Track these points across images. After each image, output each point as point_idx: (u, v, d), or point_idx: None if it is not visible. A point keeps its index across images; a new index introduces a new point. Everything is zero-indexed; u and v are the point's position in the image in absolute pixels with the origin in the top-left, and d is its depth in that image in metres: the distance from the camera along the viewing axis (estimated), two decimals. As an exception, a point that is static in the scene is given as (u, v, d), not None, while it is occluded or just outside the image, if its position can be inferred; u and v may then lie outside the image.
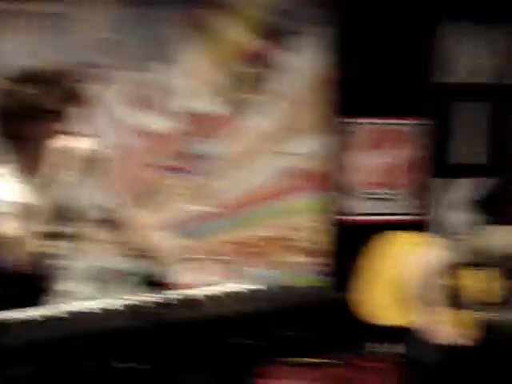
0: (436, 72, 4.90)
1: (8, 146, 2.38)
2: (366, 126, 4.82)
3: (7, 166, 2.35)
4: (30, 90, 2.29)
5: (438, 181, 4.97)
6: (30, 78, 2.34)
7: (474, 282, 2.68)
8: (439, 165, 4.97)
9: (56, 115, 2.37)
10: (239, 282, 3.31)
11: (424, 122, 4.90)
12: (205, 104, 4.52)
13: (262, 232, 4.66)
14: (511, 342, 3.07)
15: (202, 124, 4.51)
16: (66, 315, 2.01)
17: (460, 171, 5.01)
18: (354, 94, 4.70)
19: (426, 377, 2.90)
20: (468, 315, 2.77)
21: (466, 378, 2.84)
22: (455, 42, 4.90)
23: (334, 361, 4.56)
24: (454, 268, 3.12)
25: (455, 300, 3.12)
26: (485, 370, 2.85)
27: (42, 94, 2.31)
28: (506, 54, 4.96)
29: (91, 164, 2.43)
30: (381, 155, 4.85)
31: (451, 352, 2.83)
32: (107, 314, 2.05)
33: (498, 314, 3.04)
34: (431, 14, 4.80)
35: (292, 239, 4.70)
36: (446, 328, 2.98)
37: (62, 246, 2.50)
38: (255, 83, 4.56)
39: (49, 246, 2.42)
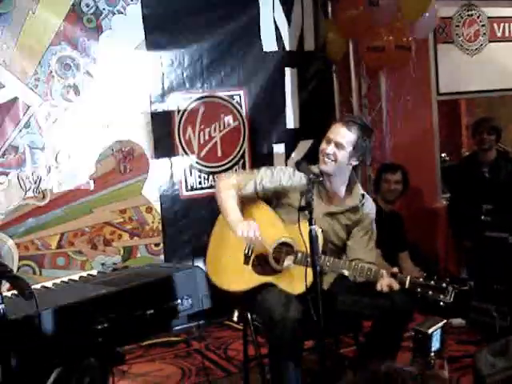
0: (263, 41, 5.06)
1: None
2: (193, 100, 4.86)
3: None
4: None
5: (277, 146, 5.16)
6: None
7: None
8: (277, 130, 5.17)
9: None
10: (82, 271, 3.28)
11: (251, 91, 5.05)
12: (24, 93, 4.33)
13: (99, 219, 4.58)
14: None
15: (23, 114, 4.33)
16: None
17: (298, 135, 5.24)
18: (176, 70, 4.73)
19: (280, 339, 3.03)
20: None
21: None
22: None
23: (188, 336, 4.66)
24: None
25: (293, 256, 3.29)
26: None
27: None
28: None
29: None
30: (210, 128, 4.93)
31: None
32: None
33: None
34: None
35: (129, 222, 4.67)
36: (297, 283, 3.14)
37: None
38: (74, 67, 4.45)
39: None
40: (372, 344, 3.30)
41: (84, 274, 2.77)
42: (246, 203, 3.42)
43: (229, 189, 3.36)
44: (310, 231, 2.73)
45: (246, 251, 3.33)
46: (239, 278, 3.33)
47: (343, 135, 3.24)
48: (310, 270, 2.89)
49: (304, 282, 2.96)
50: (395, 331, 3.20)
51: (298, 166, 3.15)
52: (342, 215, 3.37)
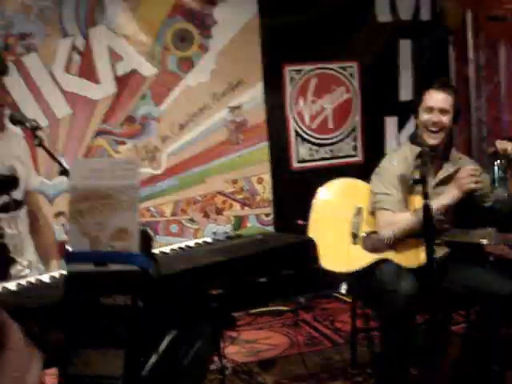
0: (377, 11, 5.00)
1: None
2: (306, 71, 4.87)
3: None
4: None
5: (390, 119, 5.10)
6: None
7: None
8: (390, 103, 5.10)
9: None
10: (194, 239, 3.36)
11: (364, 62, 5.01)
12: (142, 65, 4.47)
13: (212, 188, 4.69)
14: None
15: (141, 86, 4.48)
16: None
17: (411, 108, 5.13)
18: (290, 41, 4.73)
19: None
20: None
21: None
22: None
23: (295, 306, 4.71)
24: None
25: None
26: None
27: None
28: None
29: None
30: (322, 100, 4.93)
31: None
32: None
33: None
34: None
35: (240, 192, 4.75)
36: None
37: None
38: (189, 40, 4.54)
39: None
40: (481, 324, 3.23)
41: (199, 240, 2.83)
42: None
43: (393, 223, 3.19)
44: (425, 206, 2.69)
45: (354, 230, 3.31)
46: (351, 259, 3.29)
47: (445, 100, 3.19)
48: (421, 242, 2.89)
49: (419, 256, 2.94)
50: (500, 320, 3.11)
51: (413, 138, 3.11)
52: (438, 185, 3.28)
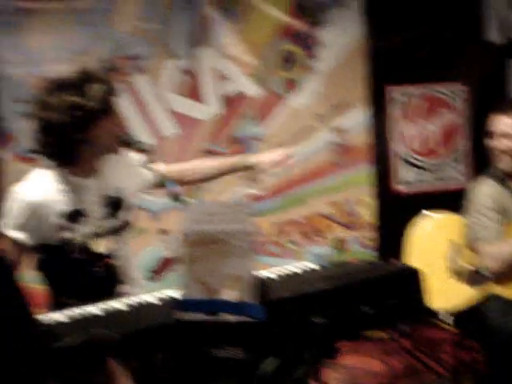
0: (484, 31, 4.87)
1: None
2: (410, 93, 4.81)
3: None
4: (69, 98, 2.28)
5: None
6: (65, 86, 2.32)
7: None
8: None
9: (104, 114, 2.39)
10: (296, 262, 3.34)
11: (471, 84, 4.88)
12: (247, 86, 4.52)
13: (313, 210, 4.67)
14: None
15: (245, 106, 4.53)
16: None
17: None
18: (394, 63, 4.69)
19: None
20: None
21: None
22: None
23: (397, 333, 4.61)
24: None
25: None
26: None
27: (84, 98, 2.30)
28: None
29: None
30: (427, 122, 4.83)
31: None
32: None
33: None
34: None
35: (341, 215, 4.70)
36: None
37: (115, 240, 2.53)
38: (294, 61, 4.56)
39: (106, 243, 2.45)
40: None
41: (304, 266, 2.81)
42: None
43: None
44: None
45: (453, 266, 3.21)
46: (454, 296, 3.21)
47: (507, 124, 3.09)
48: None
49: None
50: None
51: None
52: None
